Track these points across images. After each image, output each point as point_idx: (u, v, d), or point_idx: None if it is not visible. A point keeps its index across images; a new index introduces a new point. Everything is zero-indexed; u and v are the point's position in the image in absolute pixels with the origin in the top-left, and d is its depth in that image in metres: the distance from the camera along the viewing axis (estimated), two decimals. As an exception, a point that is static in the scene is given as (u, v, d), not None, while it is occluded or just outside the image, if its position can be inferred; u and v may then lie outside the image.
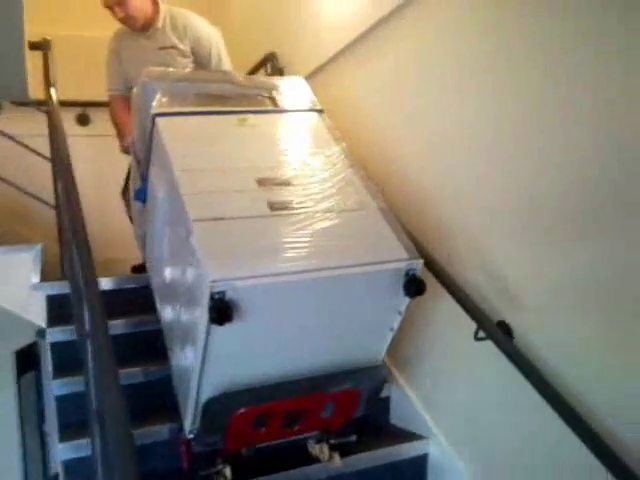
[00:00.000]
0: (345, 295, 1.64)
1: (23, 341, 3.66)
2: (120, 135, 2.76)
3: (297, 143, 1.94)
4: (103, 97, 3.15)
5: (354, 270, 1.58)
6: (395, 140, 2.33)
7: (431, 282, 1.82)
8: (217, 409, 1.64)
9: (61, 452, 1.93)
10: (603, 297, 1.55)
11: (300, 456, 1.97)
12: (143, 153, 2.02)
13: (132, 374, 2.13)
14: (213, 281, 1.43)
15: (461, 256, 1.97)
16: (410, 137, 2.25)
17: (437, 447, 2.14)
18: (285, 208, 1.67)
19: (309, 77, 2.95)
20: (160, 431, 1.98)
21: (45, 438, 3.66)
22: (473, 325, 1.83)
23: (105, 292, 2.16)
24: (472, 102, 1.94)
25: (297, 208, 1.68)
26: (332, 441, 1.93)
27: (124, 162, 2.84)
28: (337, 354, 1.74)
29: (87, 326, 1.66)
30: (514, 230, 1.81)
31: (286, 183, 1.75)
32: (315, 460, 1.95)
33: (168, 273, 1.87)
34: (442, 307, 2.04)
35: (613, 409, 1.53)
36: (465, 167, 1.98)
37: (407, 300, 1.70)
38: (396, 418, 2.36)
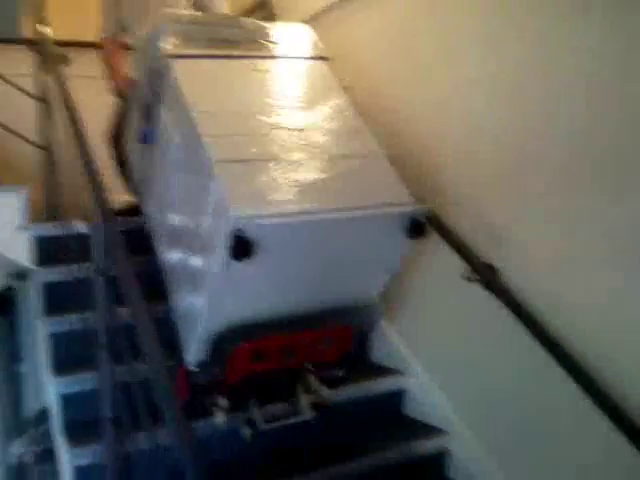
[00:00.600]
0: (352, 236, 1.72)
1: (-3, 286, 3.63)
2: (113, 77, 2.72)
3: (307, 90, 1.99)
4: (85, 38, 3.09)
5: (363, 213, 1.67)
6: (396, 90, 2.39)
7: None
8: (224, 342, 1.72)
9: (60, 386, 1.98)
10: (589, 243, 1.70)
11: (290, 389, 2.04)
12: (150, 97, 2.01)
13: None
14: (236, 218, 1.49)
15: (452, 203, 2.08)
16: (411, 88, 2.32)
17: (416, 381, 2.30)
18: (300, 153, 1.73)
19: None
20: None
21: (17, 377, 3.67)
22: (457, 267, 1.96)
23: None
24: (474, 54, 2.03)
25: (311, 153, 1.74)
26: (321, 375, 2.02)
27: (107, 103, 2.81)
28: (338, 292, 1.83)
29: (100, 263, 1.71)
30: (503, 180, 1.94)
31: (300, 129, 1.80)
32: (305, 392, 2.03)
33: (178, 216, 1.90)
34: (427, 250, 2.16)
35: (596, 342, 1.69)
36: (462, 119, 2.08)
37: (408, 242, 1.79)
38: (377, 355, 2.49)
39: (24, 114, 2.71)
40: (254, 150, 1.70)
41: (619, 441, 1.54)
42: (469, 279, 1.91)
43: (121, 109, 2.70)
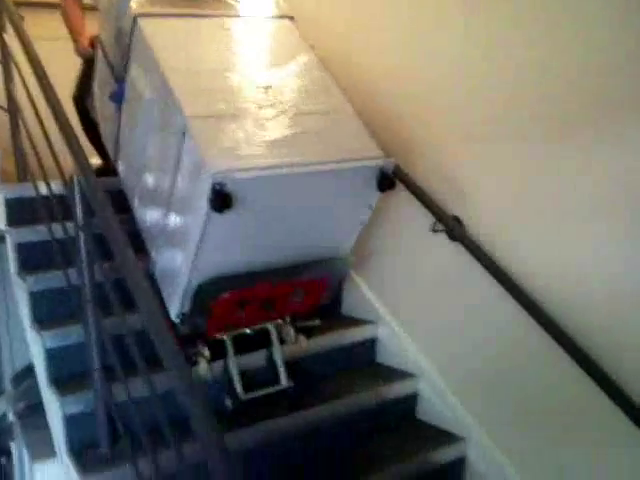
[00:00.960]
0: (325, 189, 1.78)
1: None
2: (76, 38, 2.67)
3: (275, 49, 2.03)
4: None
5: (336, 166, 1.73)
6: (360, 47, 2.44)
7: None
8: (206, 294, 1.77)
9: (44, 341, 2.01)
10: (549, 194, 1.81)
11: (268, 340, 2.14)
12: (119, 56, 2.01)
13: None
14: (215, 173, 1.53)
15: (420, 159, 2.17)
16: (378, 45, 2.37)
17: (387, 330, 2.42)
18: (271, 109, 1.76)
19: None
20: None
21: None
22: (424, 220, 2.07)
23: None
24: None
25: (280, 110, 1.78)
26: (298, 324, 2.13)
27: (64, 64, 2.76)
28: (312, 245, 1.90)
29: (80, 219, 1.75)
30: (469, 135, 2.03)
31: (269, 86, 1.83)
32: (282, 342, 2.14)
33: (152, 173, 1.92)
34: (396, 205, 2.26)
35: (558, 289, 1.82)
36: (431, 72, 2.15)
37: (378, 195, 1.86)
38: (348, 308, 2.60)
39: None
40: (225, 106, 1.73)
41: (573, 370, 1.69)
42: (435, 230, 2.00)
43: (85, 71, 2.67)
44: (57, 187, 2.11)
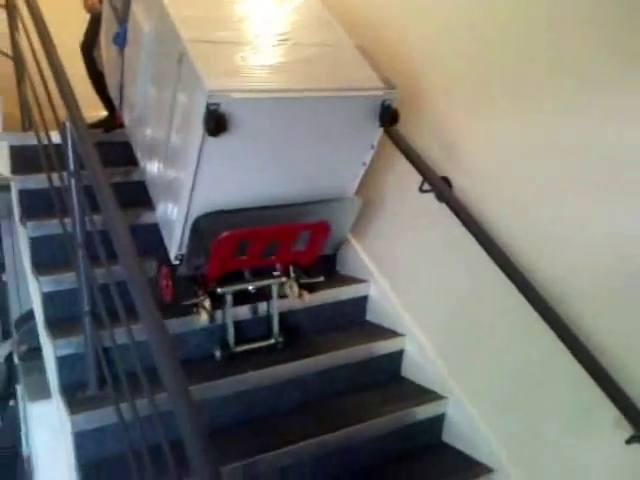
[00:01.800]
0: (325, 119, 1.73)
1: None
2: None
3: None
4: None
5: (336, 93, 1.69)
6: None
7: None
8: (205, 229, 1.75)
9: (42, 286, 2.07)
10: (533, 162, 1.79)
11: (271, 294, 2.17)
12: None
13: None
14: (210, 92, 1.51)
15: (412, 120, 2.12)
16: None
17: (378, 289, 2.44)
18: (270, 38, 1.76)
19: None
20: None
21: (1, 286, 3.78)
22: (414, 181, 2.05)
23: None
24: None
25: (281, 40, 1.77)
26: (301, 280, 2.14)
27: (71, 17, 2.76)
28: (314, 182, 1.86)
29: (72, 166, 1.77)
30: (463, 100, 2.00)
31: (269, 19, 1.85)
32: (284, 297, 2.17)
33: (154, 114, 1.92)
34: (386, 166, 2.25)
35: (534, 248, 1.82)
36: (433, 37, 2.10)
37: (380, 132, 1.82)
38: (343, 268, 2.62)
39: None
40: (225, 34, 1.72)
41: (547, 335, 1.69)
42: (422, 190, 1.99)
43: (93, 24, 2.69)
44: (57, 137, 2.13)
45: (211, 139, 1.56)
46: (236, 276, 2.07)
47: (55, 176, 2.04)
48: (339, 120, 1.75)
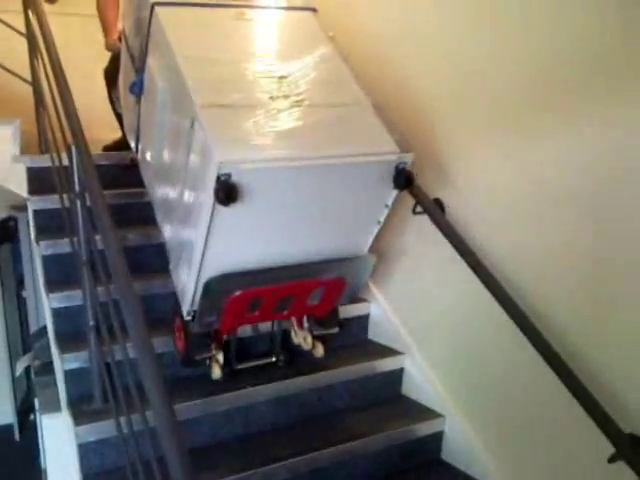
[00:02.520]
0: (338, 185, 1.70)
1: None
2: (106, 31, 2.75)
3: (293, 40, 1.98)
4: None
5: (348, 160, 1.65)
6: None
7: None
8: (216, 289, 1.71)
9: (52, 302, 2.15)
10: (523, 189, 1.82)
11: (285, 344, 2.16)
12: (138, 46, 2.03)
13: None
14: (221, 163, 1.49)
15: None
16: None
17: (378, 309, 2.47)
18: (284, 100, 1.71)
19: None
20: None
21: (22, 302, 3.89)
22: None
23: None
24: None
25: (295, 101, 1.72)
26: (315, 332, 2.08)
27: (94, 41, 2.85)
28: (327, 243, 1.82)
29: (77, 187, 1.84)
30: (452, 123, 2.05)
31: (284, 77, 1.79)
32: (298, 348, 2.13)
33: (168, 159, 1.91)
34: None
35: (524, 270, 1.83)
36: (423, 60, 2.16)
37: (395, 193, 1.78)
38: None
39: (19, 50, 2.78)
40: (237, 96, 1.68)
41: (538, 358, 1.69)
42: (415, 212, 2.00)
43: (114, 62, 2.71)
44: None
45: (221, 207, 1.54)
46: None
47: (65, 197, 2.12)
48: (353, 183, 1.72)
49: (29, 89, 2.81)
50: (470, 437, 2.09)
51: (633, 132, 1.51)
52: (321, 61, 1.89)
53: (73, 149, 1.78)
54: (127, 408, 1.56)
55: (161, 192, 1.99)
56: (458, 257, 1.91)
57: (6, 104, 3.20)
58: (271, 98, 1.70)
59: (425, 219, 2.01)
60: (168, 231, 1.94)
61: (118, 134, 3.02)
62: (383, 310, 2.46)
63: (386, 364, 2.34)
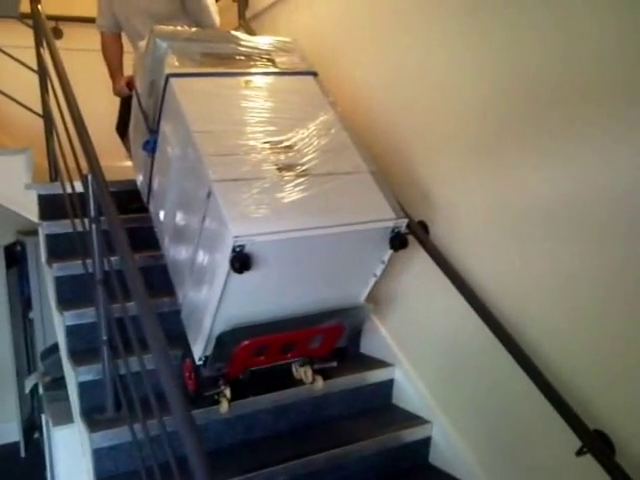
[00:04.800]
0: (340, 248, 1.86)
1: (7, 239, 3.92)
2: (113, 77, 2.86)
3: (296, 107, 2.06)
4: (77, 12, 3.23)
5: (349, 228, 1.80)
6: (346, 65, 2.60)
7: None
8: (227, 341, 1.83)
9: (66, 319, 2.26)
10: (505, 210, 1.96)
11: (287, 379, 2.19)
12: (151, 108, 2.11)
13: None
14: (236, 237, 1.62)
15: (392, 166, 2.32)
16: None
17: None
18: (290, 171, 1.83)
19: (272, 6, 3.17)
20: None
21: (28, 323, 3.99)
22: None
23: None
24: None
25: (300, 171, 1.84)
26: (315, 366, 2.15)
27: (99, 74, 2.98)
28: (328, 296, 1.96)
29: (92, 213, 1.98)
30: (436, 151, 2.20)
31: (290, 146, 1.91)
32: (299, 383, 2.18)
33: (181, 220, 2.01)
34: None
35: (500, 285, 1.98)
36: (401, 89, 2.31)
37: (390, 252, 1.93)
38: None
39: (31, 84, 2.90)
40: (248, 169, 1.80)
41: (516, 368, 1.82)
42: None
43: (124, 106, 2.82)
44: (78, 186, 2.30)
45: (234, 274, 1.67)
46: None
47: (77, 222, 2.25)
48: (353, 245, 1.87)
49: (37, 122, 2.94)
50: (456, 442, 2.21)
51: (618, 158, 1.61)
52: (323, 128, 2.01)
53: (89, 177, 1.91)
54: (142, 415, 1.68)
55: (173, 248, 2.09)
56: (443, 277, 2.04)
57: (16, 136, 3.36)
58: (278, 169, 1.83)
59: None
60: (182, 286, 2.04)
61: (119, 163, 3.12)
62: (375, 326, 2.57)
63: (377, 375, 2.47)
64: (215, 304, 1.77)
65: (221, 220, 1.68)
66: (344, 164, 1.93)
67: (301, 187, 1.80)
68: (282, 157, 1.86)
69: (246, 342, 1.84)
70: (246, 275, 1.67)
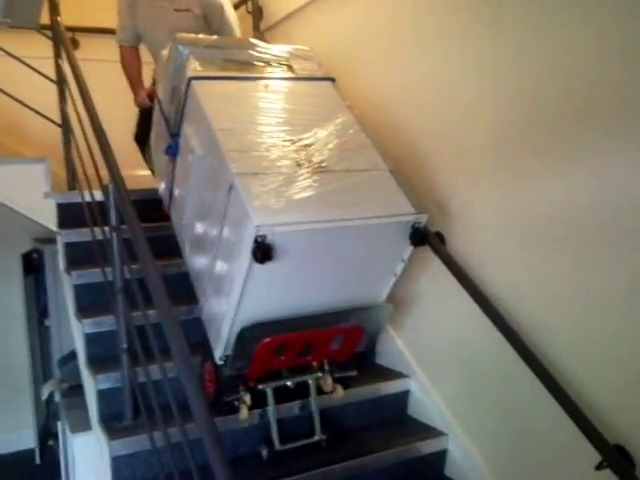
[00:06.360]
0: (359, 243, 1.84)
1: (24, 247, 3.96)
2: (134, 89, 2.88)
3: (315, 109, 2.08)
4: (92, 23, 3.26)
5: (369, 222, 1.80)
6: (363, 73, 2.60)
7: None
8: (248, 337, 1.83)
9: (85, 327, 2.27)
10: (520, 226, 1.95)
11: (307, 388, 2.15)
12: (174, 112, 2.13)
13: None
14: (258, 226, 1.64)
15: (410, 178, 2.25)
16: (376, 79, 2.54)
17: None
18: (310, 167, 1.85)
19: (286, 18, 3.19)
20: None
21: (44, 330, 4.01)
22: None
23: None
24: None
25: (320, 167, 1.86)
26: (335, 375, 2.13)
27: (114, 84, 2.99)
28: (348, 294, 1.95)
29: (114, 222, 1.99)
30: (454, 162, 2.20)
31: (309, 145, 1.93)
32: (319, 391, 2.16)
33: (202, 225, 2.03)
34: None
35: (517, 297, 1.96)
36: (429, 110, 2.29)
37: (411, 249, 1.92)
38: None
39: (49, 94, 2.94)
40: (268, 164, 1.82)
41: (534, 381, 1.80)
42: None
43: (143, 117, 2.85)
44: (99, 195, 2.32)
45: (256, 265, 1.68)
46: (275, 372, 2.09)
47: (97, 230, 2.26)
48: (373, 240, 1.87)
49: (55, 132, 2.97)
50: (472, 455, 2.18)
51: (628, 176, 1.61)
52: (341, 129, 2.03)
53: (110, 187, 1.93)
54: (163, 422, 1.67)
55: (195, 250, 2.11)
56: (459, 288, 2.02)
57: (34, 146, 3.39)
58: (298, 165, 1.85)
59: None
60: (203, 286, 2.05)
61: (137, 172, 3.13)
62: (391, 336, 2.56)
63: (393, 386, 2.44)
64: (237, 298, 1.77)
65: (243, 211, 1.69)
66: (363, 162, 1.94)
67: (321, 182, 1.82)
68: (302, 154, 1.89)
69: (267, 340, 1.84)
70: (267, 267, 1.67)
